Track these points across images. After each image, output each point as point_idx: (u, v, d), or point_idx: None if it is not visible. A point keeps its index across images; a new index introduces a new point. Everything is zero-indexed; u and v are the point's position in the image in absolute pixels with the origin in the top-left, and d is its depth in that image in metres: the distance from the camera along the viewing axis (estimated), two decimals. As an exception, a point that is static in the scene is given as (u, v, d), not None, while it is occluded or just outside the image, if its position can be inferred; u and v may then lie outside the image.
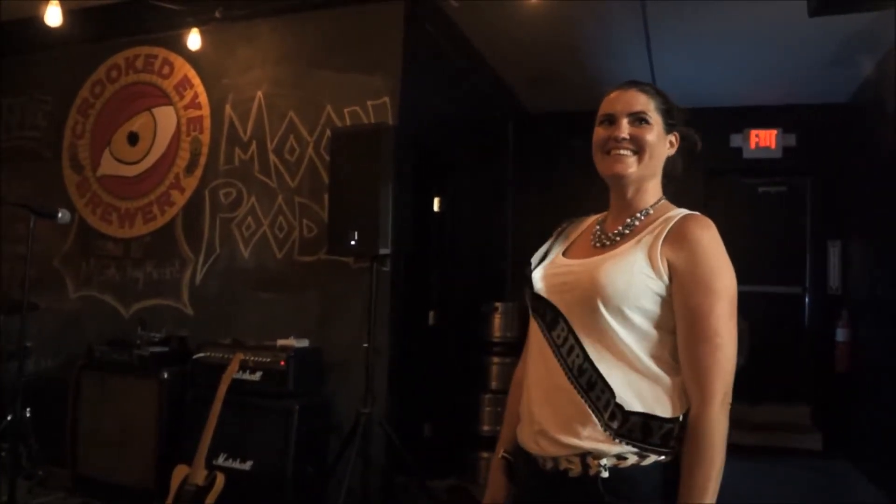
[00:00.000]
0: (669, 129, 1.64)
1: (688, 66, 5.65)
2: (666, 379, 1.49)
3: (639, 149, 1.59)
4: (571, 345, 1.52)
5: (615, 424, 1.45)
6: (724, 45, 5.20)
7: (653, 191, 1.64)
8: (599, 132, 1.64)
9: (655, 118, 1.60)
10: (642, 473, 1.45)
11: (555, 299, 1.57)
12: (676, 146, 1.66)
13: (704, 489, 1.40)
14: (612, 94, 1.64)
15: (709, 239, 1.50)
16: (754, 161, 6.73)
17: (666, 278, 1.49)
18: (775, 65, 5.52)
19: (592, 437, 1.46)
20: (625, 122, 1.60)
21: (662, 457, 1.45)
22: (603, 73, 5.78)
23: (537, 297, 1.61)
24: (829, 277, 6.49)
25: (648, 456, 1.45)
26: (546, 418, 1.54)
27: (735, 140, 6.74)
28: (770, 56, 5.32)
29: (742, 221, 6.73)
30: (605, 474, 1.44)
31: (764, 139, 6.70)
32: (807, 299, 6.71)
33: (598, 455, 1.46)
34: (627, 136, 1.58)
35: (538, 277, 1.64)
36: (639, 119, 1.59)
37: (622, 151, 1.59)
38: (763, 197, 6.98)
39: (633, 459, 1.45)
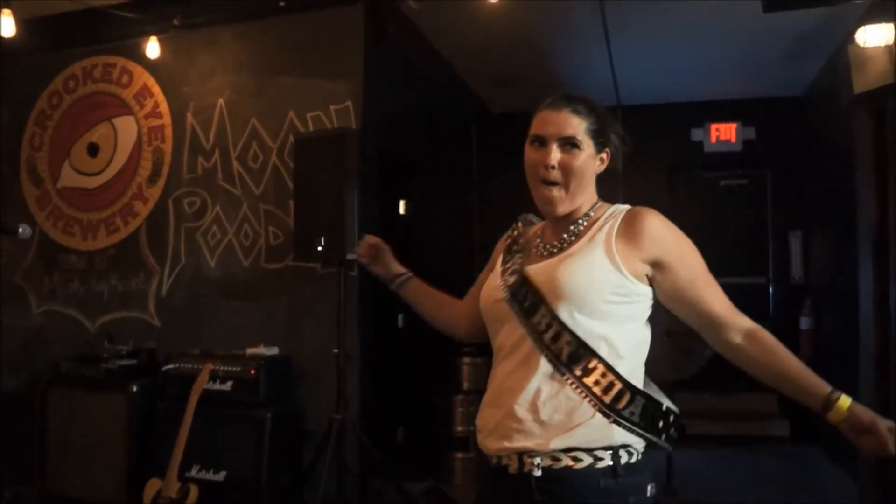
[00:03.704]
0: (600, 148, 1.66)
1: (647, 63, 5.72)
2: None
3: (567, 177, 1.62)
4: (558, 331, 1.53)
5: (620, 404, 1.50)
6: (682, 41, 5.28)
7: (587, 202, 1.68)
8: (530, 153, 1.66)
9: (586, 141, 1.63)
10: (575, 477, 1.49)
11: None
12: (607, 163, 1.69)
13: (814, 384, 1.56)
14: (544, 113, 1.66)
15: (664, 224, 1.59)
16: (715, 155, 6.84)
17: (625, 271, 1.54)
18: (732, 59, 5.61)
19: (529, 436, 1.52)
20: (554, 146, 1.62)
21: (599, 463, 1.49)
22: (565, 72, 5.83)
23: (523, 281, 1.61)
24: (792, 267, 6.62)
25: (582, 460, 1.48)
26: (487, 419, 1.61)
27: (696, 134, 6.84)
28: (727, 51, 5.41)
29: (705, 214, 6.84)
30: (538, 473, 1.50)
31: (724, 133, 6.80)
32: (771, 289, 6.83)
33: (533, 454, 1.50)
34: (556, 165, 1.61)
35: (509, 273, 1.67)
36: (569, 144, 1.62)
37: (550, 179, 1.62)
38: (725, 190, 7.09)
39: (566, 462, 1.49)
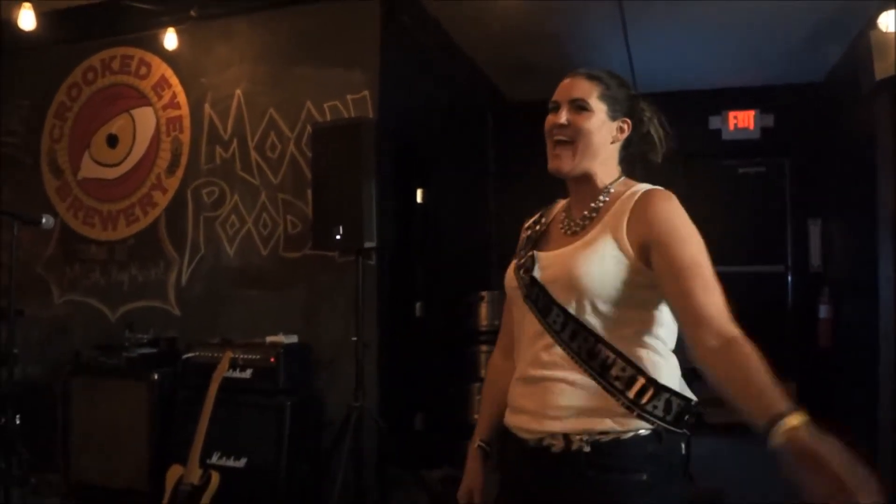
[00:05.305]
0: (616, 115, 1.67)
1: (665, 50, 5.68)
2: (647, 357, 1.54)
3: (575, 136, 1.64)
4: (574, 329, 1.55)
5: (644, 399, 1.49)
6: (700, 28, 5.24)
7: (606, 173, 1.68)
8: (548, 119, 1.70)
9: (598, 106, 1.65)
10: (623, 446, 1.50)
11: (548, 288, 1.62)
12: (628, 132, 1.69)
13: (770, 398, 1.33)
14: (563, 82, 1.70)
15: (670, 208, 1.55)
16: (733, 142, 6.78)
17: (634, 257, 1.53)
18: (751, 46, 5.55)
19: (584, 416, 1.51)
20: (565, 108, 1.66)
21: (642, 430, 1.50)
22: (581, 61, 5.70)
23: (532, 282, 1.63)
24: (811, 255, 6.56)
25: (628, 431, 1.49)
26: (531, 408, 1.60)
27: (714, 122, 6.78)
28: (745, 38, 5.36)
29: (723, 203, 6.78)
30: (587, 449, 1.50)
31: (742, 120, 6.74)
32: (789, 278, 6.77)
33: (580, 432, 1.51)
34: (566, 122, 1.64)
35: (538, 266, 1.66)
36: (578, 106, 1.64)
37: (560, 137, 1.65)
38: (743, 178, 7.03)
39: (613, 434, 1.50)
